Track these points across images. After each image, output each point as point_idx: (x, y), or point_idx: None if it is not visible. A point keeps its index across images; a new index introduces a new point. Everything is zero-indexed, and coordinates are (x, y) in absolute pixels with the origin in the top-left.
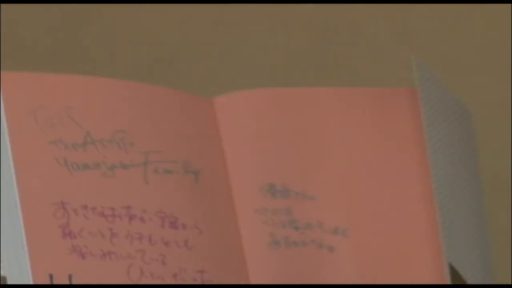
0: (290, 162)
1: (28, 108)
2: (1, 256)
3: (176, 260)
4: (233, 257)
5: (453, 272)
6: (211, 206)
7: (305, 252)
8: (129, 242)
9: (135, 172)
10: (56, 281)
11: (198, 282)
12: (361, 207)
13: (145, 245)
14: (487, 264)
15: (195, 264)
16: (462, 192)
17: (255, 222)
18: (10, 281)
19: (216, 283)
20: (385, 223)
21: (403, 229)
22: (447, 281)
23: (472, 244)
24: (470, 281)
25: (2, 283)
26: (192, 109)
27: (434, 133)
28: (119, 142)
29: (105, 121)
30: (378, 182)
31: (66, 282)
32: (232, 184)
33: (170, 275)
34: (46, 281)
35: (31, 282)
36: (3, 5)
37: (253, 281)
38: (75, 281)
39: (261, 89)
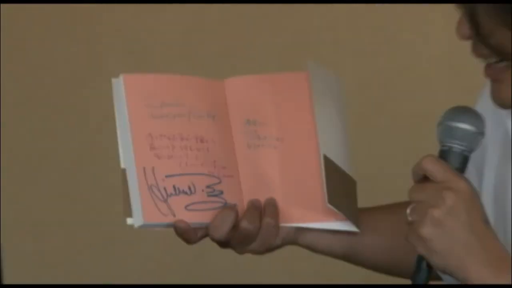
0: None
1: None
2: (121, 156)
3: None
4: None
5: (327, 160)
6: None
7: (264, 150)
8: (181, 150)
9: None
10: (147, 172)
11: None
12: (290, 130)
13: (187, 151)
14: (347, 160)
15: (212, 158)
16: (335, 126)
17: (241, 137)
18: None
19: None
20: (299, 141)
21: (307, 144)
22: (322, 167)
23: (338, 147)
24: (339, 164)
25: (122, 174)
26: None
27: (317, 97)
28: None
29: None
30: (296, 123)
31: (151, 172)
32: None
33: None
34: (141, 171)
35: (134, 171)
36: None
37: (240, 161)
38: (155, 172)
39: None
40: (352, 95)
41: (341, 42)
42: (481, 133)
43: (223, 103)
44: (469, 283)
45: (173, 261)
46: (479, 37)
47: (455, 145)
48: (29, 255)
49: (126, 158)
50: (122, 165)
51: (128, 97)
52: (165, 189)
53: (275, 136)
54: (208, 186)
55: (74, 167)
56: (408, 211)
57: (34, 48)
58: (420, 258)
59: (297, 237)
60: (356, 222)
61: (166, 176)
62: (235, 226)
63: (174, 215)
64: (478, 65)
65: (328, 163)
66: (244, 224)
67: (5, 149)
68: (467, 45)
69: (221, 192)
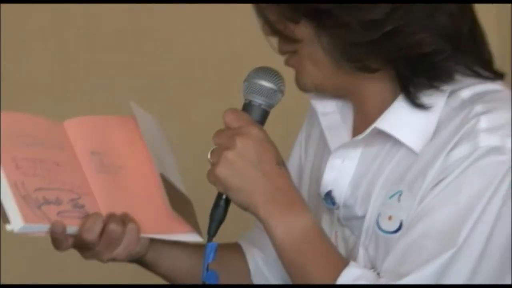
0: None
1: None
2: None
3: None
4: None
5: (163, 177)
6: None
7: (110, 174)
8: (42, 170)
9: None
10: (18, 185)
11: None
12: (129, 159)
13: (48, 171)
14: (180, 183)
15: (69, 179)
16: (165, 154)
17: (90, 164)
18: None
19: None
20: (138, 167)
21: (146, 170)
22: (160, 183)
23: (172, 171)
24: (174, 182)
25: None
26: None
27: (145, 134)
28: None
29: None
30: (132, 153)
31: (21, 185)
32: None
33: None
34: (13, 184)
35: (6, 184)
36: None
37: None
38: (26, 186)
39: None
40: None
41: None
42: (279, 91)
43: (67, 139)
44: (259, 218)
45: None
46: (276, 32)
47: (255, 99)
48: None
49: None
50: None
51: (2, 130)
52: (36, 199)
53: (117, 164)
54: (71, 200)
55: None
56: (209, 154)
57: None
58: (219, 196)
59: (149, 250)
60: (199, 233)
61: (36, 190)
62: (103, 230)
63: (49, 219)
64: None
65: (165, 180)
66: (112, 226)
67: None
68: None
69: (83, 206)
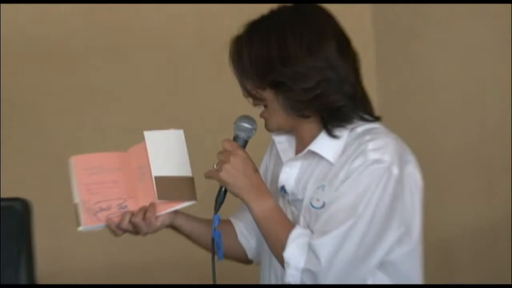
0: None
1: None
2: (73, 195)
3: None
4: None
5: (156, 177)
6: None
7: (144, 180)
8: (102, 188)
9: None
10: (85, 203)
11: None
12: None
13: (106, 189)
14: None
15: (124, 189)
16: (169, 162)
17: (136, 175)
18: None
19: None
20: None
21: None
22: (153, 181)
23: (171, 170)
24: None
25: (75, 205)
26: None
27: (151, 154)
28: None
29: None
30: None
31: (87, 202)
32: None
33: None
34: (81, 203)
35: (80, 204)
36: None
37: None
38: (90, 202)
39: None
40: None
41: None
42: (254, 129)
43: (126, 160)
44: (244, 202)
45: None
46: (250, 95)
47: (240, 134)
48: None
49: (76, 198)
50: (74, 201)
51: (77, 168)
52: (95, 209)
53: (146, 172)
54: (118, 204)
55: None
56: (214, 165)
57: None
58: (220, 188)
59: (171, 221)
60: (191, 199)
61: (95, 203)
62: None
63: (101, 222)
64: None
65: (157, 178)
66: (134, 219)
67: None
68: None
69: (126, 206)
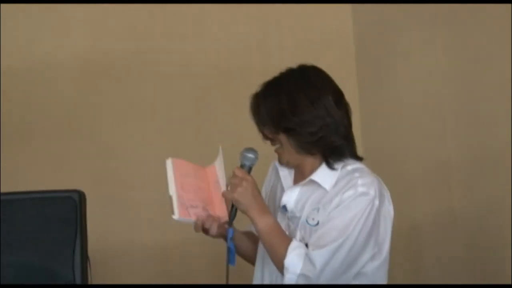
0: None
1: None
2: (169, 190)
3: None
4: None
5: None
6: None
7: (217, 191)
8: (194, 190)
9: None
10: (179, 197)
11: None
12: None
13: (196, 190)
14: None
15: (204, 195)
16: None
17: (213, 187)
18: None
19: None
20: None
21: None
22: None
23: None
24: None
25: (170, 197)
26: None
27: (219, 169)
28: None
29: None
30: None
31: (182, 198)
32: None
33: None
34: (176, 197)
35: (175, 196)
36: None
37: None
38: (184, 198)
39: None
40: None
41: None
42: (256, 158)
43: (205, 174)
44: (251, 220)
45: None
46: (267, 138)
47: (246, 163)
48: None
49: (172, 191)
50: (169, 193)
51: (174, 168)
52: (186, 204)
53: (220, 188)
54: (203, 207)
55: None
56: (228, 187)
57: None
58: (232, 206)
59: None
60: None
61: (187, 200)
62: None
63: (191, 216)
64: None
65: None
66: (213, 224)
67: None
68: None
69: (207, 210)
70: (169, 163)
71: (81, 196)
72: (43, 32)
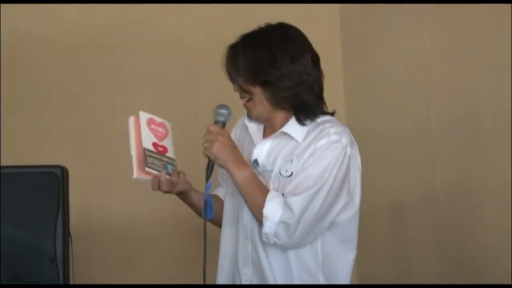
0: None
1: None
2: (130, 149)
3: None
4: None
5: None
6: None
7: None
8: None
9: None
10: (139, 156)
11: None
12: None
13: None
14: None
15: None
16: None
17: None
18: None
19: None
20: None
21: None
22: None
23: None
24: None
25: (131, 157)
26: None
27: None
28: None
29: None
30: None
31: (143, 155)
32: None
33: None
34: (135, 157)
35: (135, 156)
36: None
37: None
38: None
39: None
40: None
41: None
42: (230, 114)
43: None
44: (228, 171)
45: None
46: (241, 89)
47: (219, 118)
48: None
49: (132, 151)
50: (130, 153)
51: (135, 126)
52: (144, 163)
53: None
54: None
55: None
56: (205, 144)
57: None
58: (209, 161)
59: (187, 189)
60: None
61: (148, 155)
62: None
63: (148, 175)
64: None
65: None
66: (173, 178)
67: None
68: None
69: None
70: (130, 121)
71: (63, 172)
72: (29, 6)
